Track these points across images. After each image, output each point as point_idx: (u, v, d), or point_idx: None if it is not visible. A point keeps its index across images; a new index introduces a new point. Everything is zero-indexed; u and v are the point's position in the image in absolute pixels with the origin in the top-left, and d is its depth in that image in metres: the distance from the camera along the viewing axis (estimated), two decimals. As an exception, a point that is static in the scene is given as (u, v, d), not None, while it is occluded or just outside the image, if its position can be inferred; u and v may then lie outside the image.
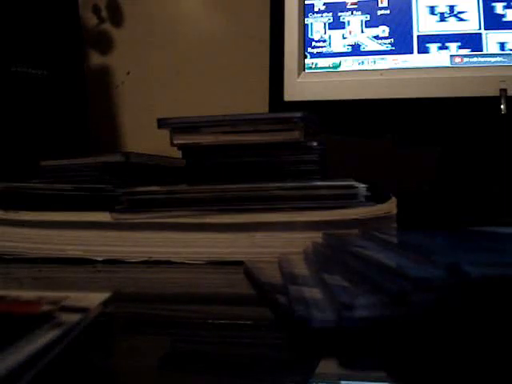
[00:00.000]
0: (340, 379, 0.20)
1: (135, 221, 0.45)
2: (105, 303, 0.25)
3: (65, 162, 0.55)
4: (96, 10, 0.97)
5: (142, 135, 0.88)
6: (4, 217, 0.47)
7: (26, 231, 0.46)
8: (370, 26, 0.65)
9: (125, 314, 0.28)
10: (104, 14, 0.97)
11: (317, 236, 0.40)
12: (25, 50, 0.77)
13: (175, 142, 0.53)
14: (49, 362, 0.19)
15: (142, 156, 0.56)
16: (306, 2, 0.67)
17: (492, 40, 0.62)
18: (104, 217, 0.45)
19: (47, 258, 0.45)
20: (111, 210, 0.45)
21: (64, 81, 0.82)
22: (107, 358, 0.21)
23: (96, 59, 0.97)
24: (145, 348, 0.23)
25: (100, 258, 0.44)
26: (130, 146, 0.96)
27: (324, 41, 0.67)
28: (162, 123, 0.53)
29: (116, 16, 0.97)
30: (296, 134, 0.50)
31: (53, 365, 0.19)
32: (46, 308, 0.22)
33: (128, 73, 0.97)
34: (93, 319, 0.23)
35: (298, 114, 0.50)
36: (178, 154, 0.55)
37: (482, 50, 0.62)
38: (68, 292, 0.25)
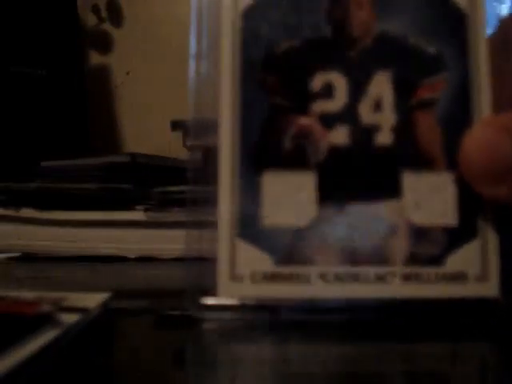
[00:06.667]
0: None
1: (167, 219, 0.46)
2: (105, 303, 0.25)
3: (68, 162, 0.55)
4: (96, 9, 0.97)
5: (142, 135, 0.88)
6: (38, 216, 0.48)
7: (58, 230, 0.47)
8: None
9: (125, 314, 0.28)
10: (104, 14, 0.97)
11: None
12: (24, 51, 0.77)
13: (188, 144, 0.53)
14: (49, 361, 0.19)
15: (147, 157, 0.57)
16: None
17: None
18: (136, 215, 0.46)
19: (79, 256, 0.46)
20: (145, 209, 0.47)
21: (64, 81, 0.82)
22: (107, 357, 0.21)
23: (96, 59, 0.97)
24: (145, 347, 0.23)
25: (132, 256, 0.45)
26: (129, 145, 0.96)
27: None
28: (175, 126, 0.53)
29: (116, 16, 0.97)
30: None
31: (53, 365, 0.19)
32: (45, 308, 0.22)
33: (128, 73, 0.97)
34: (93, 319, 0.23)
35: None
36: (178, 154, 0.55)
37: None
38: (68, 292, 0.25)
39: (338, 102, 0.24)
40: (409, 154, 0.24)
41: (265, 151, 0.24)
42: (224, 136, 0.24)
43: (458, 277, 0.23)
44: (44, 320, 0.21)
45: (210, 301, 0.23)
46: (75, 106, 0.83)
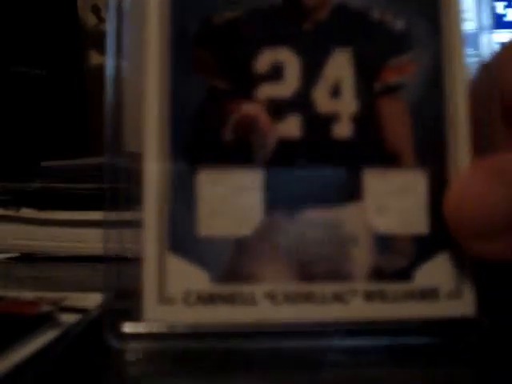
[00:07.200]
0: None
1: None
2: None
3: (68, 162, 0.55)
4: (96, 10, 0.97)
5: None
6: (38, 216, 0.48)
7: (58, 230, 0.47)
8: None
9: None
10: (104, 14, 0.97)
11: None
12: (24, 51, 0.77)
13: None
14: (49, 361, 0.19)
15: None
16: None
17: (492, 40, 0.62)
18: (136, 215, 0.47)
19: (79, 256, 0.45)
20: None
21: (63, 81, 0.82)
22: (107, 358, 0.21)
23: (96, 59, 0.97)
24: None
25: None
26: (129, 146, 0.96)
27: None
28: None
29: (116, 16, 0.97)
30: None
31: (53, 365, 0.19)
32: (45, 308, 0.22)
33: (128, 73, 0.97)
34: (93, 319, 0.23)
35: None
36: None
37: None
38: (68, 292, 0.25)
39: (288, 85, 0.20)
40: (372, 148, 0.20)
41: (200, 145, 0.20)
42: (149, 127, 0.20)
43: (429, 293, 0.19)
44: (44, 320, 0.21)
45: (132, 327, 0.19)
46: (75, 105, 0.83)
